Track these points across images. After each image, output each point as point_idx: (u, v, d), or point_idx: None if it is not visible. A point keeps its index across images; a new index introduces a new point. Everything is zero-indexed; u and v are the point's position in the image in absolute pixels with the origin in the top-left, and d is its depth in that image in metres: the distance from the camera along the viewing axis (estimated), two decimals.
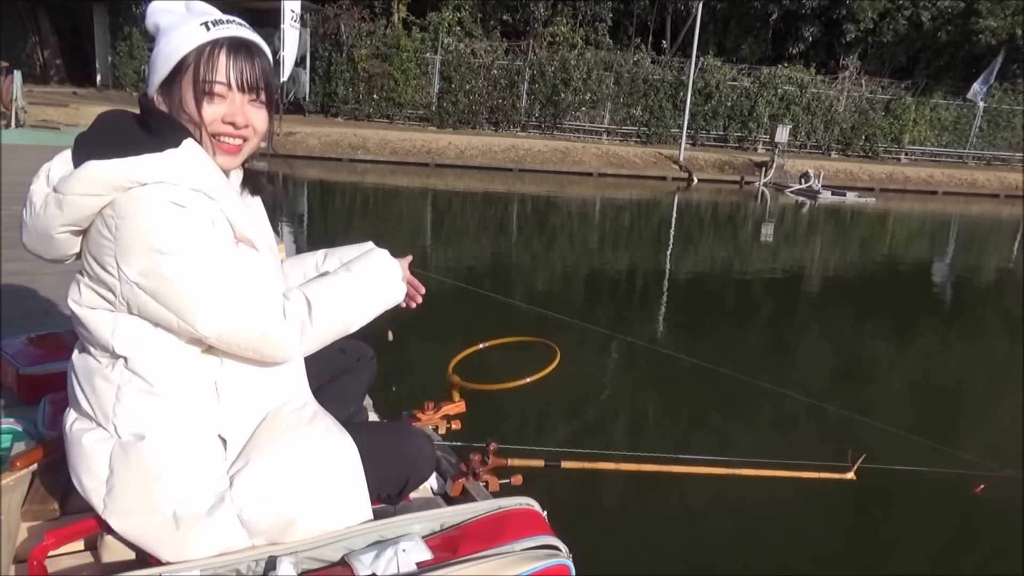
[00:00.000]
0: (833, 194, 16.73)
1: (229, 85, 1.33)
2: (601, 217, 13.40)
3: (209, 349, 1.33)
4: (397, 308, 1.60)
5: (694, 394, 4.89)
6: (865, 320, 7.18)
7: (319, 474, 1.38)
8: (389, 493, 1.51)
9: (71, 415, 1.38)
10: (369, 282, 1.48)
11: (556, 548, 1.40)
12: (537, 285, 7.67)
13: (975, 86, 21.19)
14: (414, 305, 1.69)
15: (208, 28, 1.31)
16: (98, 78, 20.50)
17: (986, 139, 23.14)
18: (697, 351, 5.67)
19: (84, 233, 1.30)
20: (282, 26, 14.28)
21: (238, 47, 1.33)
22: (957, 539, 3.31)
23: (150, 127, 1.28)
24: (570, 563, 1.38)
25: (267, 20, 15.46)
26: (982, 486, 2.79)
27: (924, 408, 4.93)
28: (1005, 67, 21.31)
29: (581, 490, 3.11)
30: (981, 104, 21.88)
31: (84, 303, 1.31)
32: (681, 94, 20.01)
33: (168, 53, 1.31)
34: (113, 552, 1.38)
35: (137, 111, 1.34)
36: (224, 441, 1.35)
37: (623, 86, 20.51)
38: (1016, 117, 22.76)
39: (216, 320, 1.26)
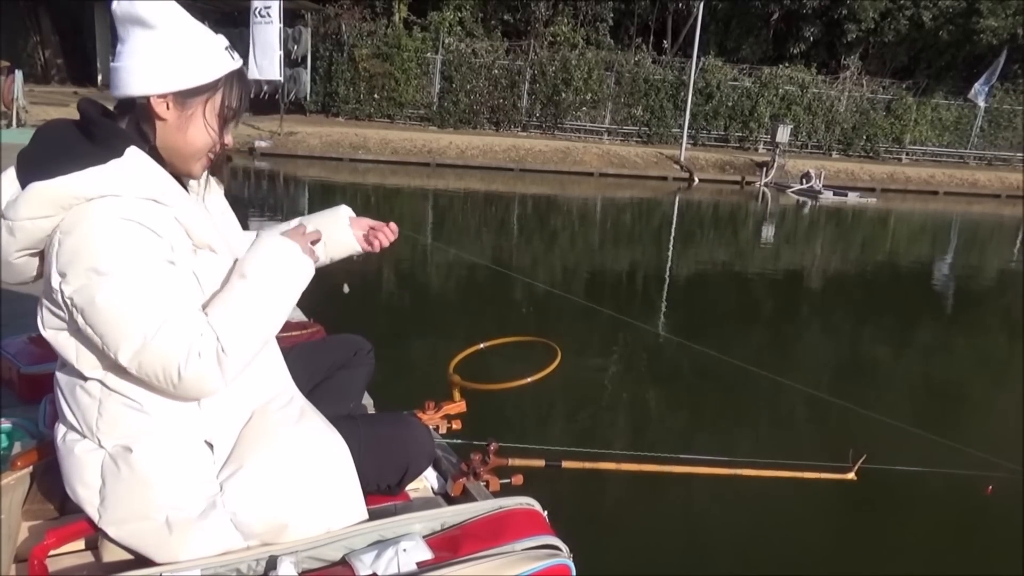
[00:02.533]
0: (834, 194, 16.71)
1: (239, 114, 1.38)
2: (602, 217, 13.39)
3: None
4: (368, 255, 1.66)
5: (695, 394, 4.89)
6: (867, 320, 7.17)
7: (310, 475, 1.38)
8: (388, 484, 1.51)
9: (60, 427, 1.38)
10: (267, 280, 1.36)
11: (557, 548, 1.40)
12: (538, 284, 7.66)
13: (976, 86, 21.15)
14: (379, 247, 1.71)
15: (232, 57, 1.35)
16: (99, 78, 20.49)
17: (987, 139, 23.11)
18: (699, 351, 5.66)
19: (41, 254, 1.28)
20: (251, 24, 14.44)
21: (246, 79, 1.40)
22: (958, 539, 3.30)
23: (92, 136, 1.24)
24: (570, 563, 1.38)
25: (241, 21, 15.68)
26: (991, 487, 2.79)
27: (926, 407, 4.93)
28: (1007, 67, 21.28)
29: (582, 490, 3.11)
30: (982, 104, 21.84)
31: (47, 325, 1.28)
32: (682, 94, 19.99)
33: (198, 69, 1.30)
34: (113, 552, 1.38)
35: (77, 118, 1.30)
36: (211, 446, 1.35)
37: (624, 86, 20.50)
38: (1017, 117, 22.72)
39: (135, 354, 1.21)
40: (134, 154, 1.24)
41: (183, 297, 1.26)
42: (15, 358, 2.24)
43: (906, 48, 22.84)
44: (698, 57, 19.21)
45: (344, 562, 1.33)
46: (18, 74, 12.39)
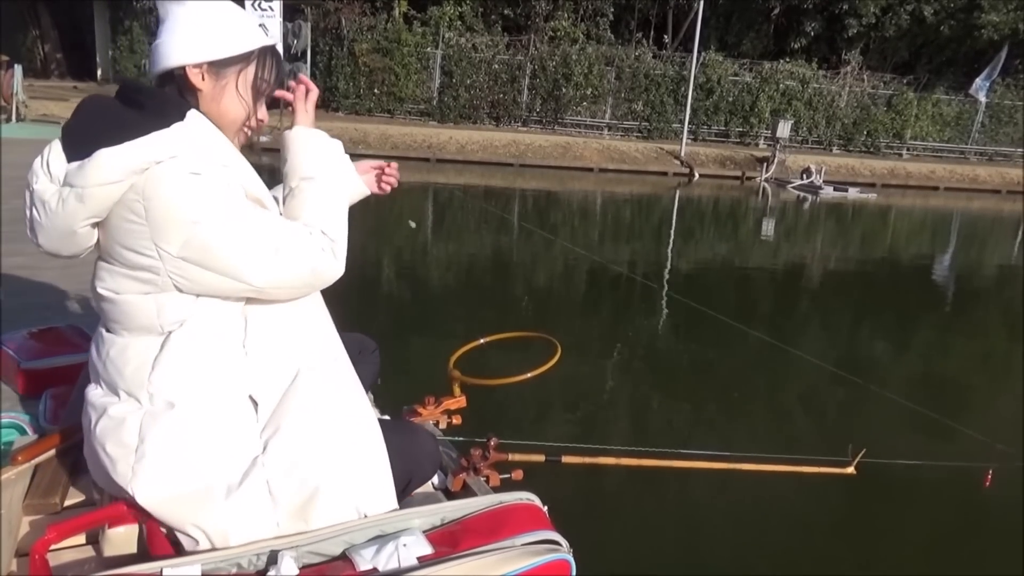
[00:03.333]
0: (835, 190, 16.70)
1: (272, 89, 1.45)
2: (602, 212, 13.39)
3: (239, 308, 1.36)
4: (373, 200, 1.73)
5: (695, 389, 4.89)
6: (867, 315, 7.18)
7: (347, 451, 1.39)
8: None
9: (96, 392, 1.39)
10: (329, 170, 1.50)
11: (556, 543, 1.40)
12: (538, 280, 7.67)
13: (977, 81, 21.12)
14: (389, 189, 1.82)
15: (265, 33, 1.42)
16: (99, 72, 20.48)
17: (988, 135, 23.09)
18: (698, 345, 5.67)
19: (101, 223, 1.29)
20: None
21: (281, 59, 1.46)
22: (958, 531, 3.31)
23: (142, 105, 1.28)
24: (570, 558, 1.39)
25: None
26: (989, 476, 2.79)
27: (925, 401, 4.93)
28: (1008, 62, 21.24)
29: (582, 485, 3.12)
30: (983, 100, 21.81)
31: (119, 291, 1.30)
32: (682, 89, 19.96)
33: (231, 39, 1.36)
34: (115, 546, 1.38)
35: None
36: (255, 403, 1.36)
37: (624, 81, 20.47)
38: (1018, 112, 22.70)
39: (268, 270, 1.29)
40: (195, 117, 1.30)
41: (276, 216, 1.37)
42: (16, 353, 2.24)
43: (907, 43, 22.80)
44: (699, 52, 19.17)
45: (344, 557, 1.33)
46: (17, 68, 12.36)
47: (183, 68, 1.34)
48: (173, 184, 1.22)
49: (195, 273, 1.26)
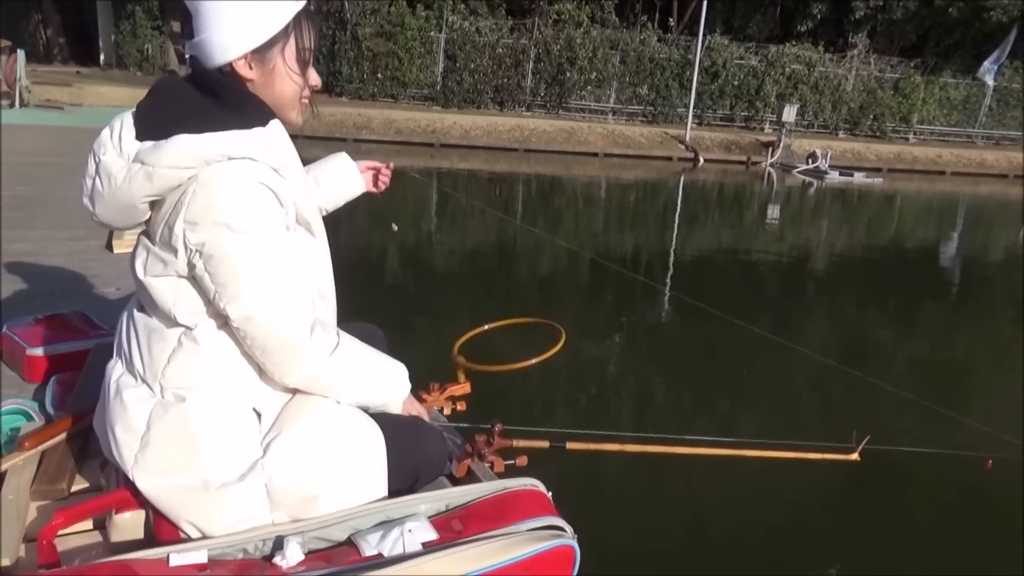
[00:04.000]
0: (840, 174, 16.61)
1: (315, 51, 1.41)
2: (607, 197, 13.35)
3: None
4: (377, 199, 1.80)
5: (699, 375, 4.90)
6: (872, 300, 7.16)
7: (346, 453, 1.41)
8: (399, 488, 1.52)
9: (117, 368, 1.42)
10: (382, 379, 1.54)
11: (561, 529, 1.41)
12: (543, 265, 7.66)
13: (985, 64, 20.91)
14: (383, 187, 1.91)
15: None
16: (102, 57, 20.43)
17: (996, 118, 22.89)
18: (703, 331, 5.67)
19: (156, 202, 1.31)
20: None
21: (314, 14, 1.40)
22: (961, 518, 3.32)
23: (219, 97, 1.29)
24: (575, 543, 1.39)
25: None
26: (990, 461, 2.79)
27: (930, 386, 4.93)
28: (1016, 45, 21.03)
29: (586, 471, 3.13)
30: (991, 83, 21.61)
31: (149, 271, 1.32)
32: (688, 73, 19.83)
33: (264, 22, 1.32)
34: (122, 531, 1.39)
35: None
36: (259, 415, 1.38)
37: (629, 65, 20.33)
38: None
39: (248, 309, 1.28)
40: (276, 126, 1.34)
41: (298, 271, 1.34)
42: (21, 339, 2.25)
43: (914, 26, 22.57)
44: (704, 35, 19.02)
45: (350, 542, 1.34)
46: (20, 53, 12.32)
47: (230, 64, 1.32)
48: (231, 183, 1.24)
49: (198, 268, 1.27)
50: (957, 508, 3.40)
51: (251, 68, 1.34)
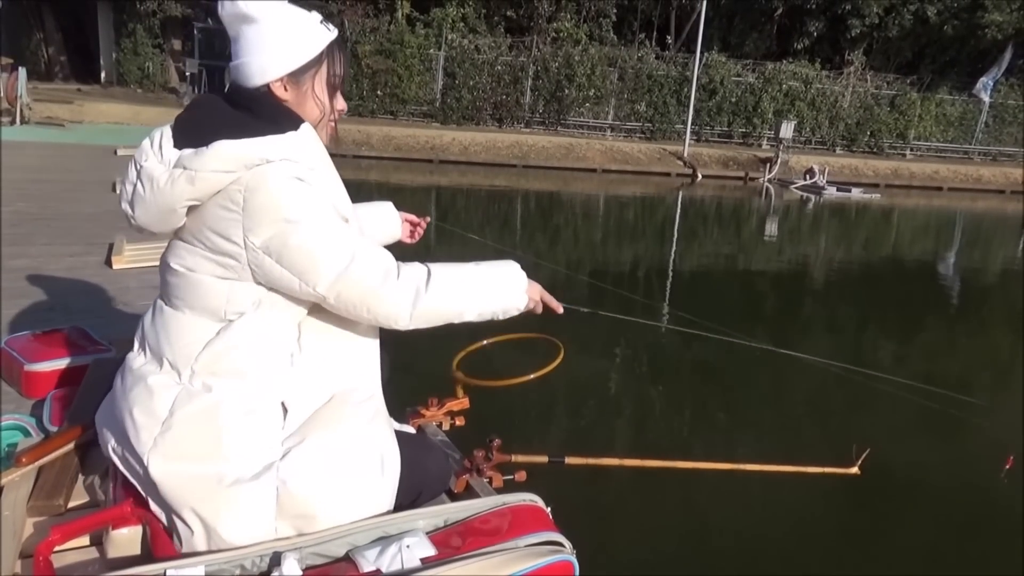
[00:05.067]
0: (838, 190, 16.67)
1: (344, 78, 1.52)
2: (605, 213, 13.38)
3: (297, 318, 1.42)
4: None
5: (699, 390, 4.89)
6: (871, 316, 7.16)
7: (362, 471, 1.42)
8: (400, 503, 1.52)
9: (138, 359, 1.46)
10: (492, 278, 1.54)
11: (560, 544, 1.40)
12: (541, 281, 7.65)
13: (981, 81, 21.06)
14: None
15: (328, 28, 1.48)
16: (102, 75, 20.52)
17: (992, 135, 23.01)
18: (702, 346, 5.66)
19: (194, 208, 1.37)
20: None
21: (344, 45, 1.53)
22: (963, 531, 3.30)
23: (253, 111, 1.38)
24: (574, 559, 1.39)
25: None
26: (1011, 458, 2.77)
27: (929, 402, 4.92)
28: (1012, 62, 21.18)
29: (585, 486, 3.11)
30: (987, 99, 21.74)
31: (196, 269, 1.38)
32: (685, 90, 19.94)
33: (301, 48, 1.42)
34: (119, 547, 1.39)
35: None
36: (286, 410, 1.40)
37: (627, 82, 20.45)
38: (1022, 112, 22.60)
39: (335, 279, 1.35)
40: (307, 129, 1.42)
41: (359, 232, 1.44)
42: (20, 355, 2.25)
43: (910, 43, 22.75)
44: (701, 53, 19.15)
45: (348, 558, 1.34)
46: (21, 71, 12.39)
47: (267, 85, 1.41)
48: (277, 183, 1.32)
49: (270, 266, 1.34)
50: (958, 521, 3.38)
51: (286, 90, 1.43)
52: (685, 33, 22.11)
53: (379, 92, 19.20)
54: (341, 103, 1.54)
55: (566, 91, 19.88)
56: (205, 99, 1.44)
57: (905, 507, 3.41)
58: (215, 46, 19.68)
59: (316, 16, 1.47)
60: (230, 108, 1.39)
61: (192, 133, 1.34)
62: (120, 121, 14.55)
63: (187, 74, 19.72)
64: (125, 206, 1.42)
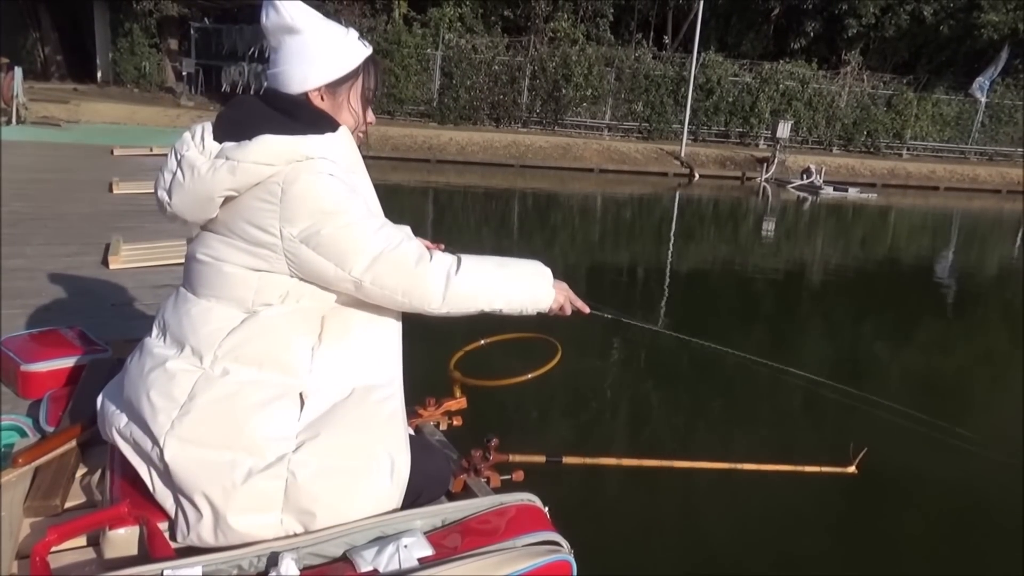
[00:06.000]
0: (835, 190, 16.70)
1: (376, 94, 1.61)
2: (603, 213, 13.38)
3: (322, 310, 1.45)
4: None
5: (696, 390, 4.89)
6: (867, 315, 7.17)
7: (371, 478, 1.42)
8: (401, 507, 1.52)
9: (157, 343, 1.48)
10: (519, 271, 1.58)
11: (557, 544, 1.40)
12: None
13: (978, 81, 21.10)
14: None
15: (365, 44, 1.56)
16: (99, 74, 20.48)
17: (988, 134, 23.05)
18: (699, 346, 5.67)
19: (229, 200, 1.41)
20: None
21: (379, 62, 1.61)
22: (958, 531, 3.31)
23: (291, 114, 1.45)
24: (571, 559, 1.39)
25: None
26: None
27: (926, 401, 4.93)
28: (1008, 62, 21.23)
29: (583, 486, 3.12)
30: (983, 99, 21.78)
31: (228, 259, 1.43)
32: (682, 90, 19.95)
33: (341, 60, 1.51)
34: (116, 548, 1.38)
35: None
36: (303, 401, 1.41)
37: (624, 82, 20.46)
38: (1018, 112, 22.64)
39: (371, 262, 1.40)
40: (344, 131, 1.50)
41: (391, 223, 1.50)
42: (16, 355, 2.25)
43: (907, 43, 22.78)
44: (698, 53, 19.16)
45: (345, 558, 1.33)
46: (18, 71, 12.36)
47: (305, 93, 1.49)
48: (313, 177, 1.38)
49: (306, 255, 1.39)
50: (954, 520, 3.39)
51: (322, 99, 1.51)
52: (682, 33, 22.13)
53: (378, 92, 19.14)
54: (371, 116, 1.62)
55: (563, 91, 19.89)
56: (246, 99, 1.50)
57: (903, 506, 3.41)
58: (211, 46, 19.66)
59: (354, 32, 1.56)
60: (270, 109, 1.46)
61: (234, 128, 1.40)
62: (116, 121, 14.52)
63: (184, 74, 19.70)
64: (162, 194, 1.45)
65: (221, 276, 1.43)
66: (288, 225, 1.37)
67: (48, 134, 11.49)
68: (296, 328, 1.43)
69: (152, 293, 3.63)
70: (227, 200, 1.41)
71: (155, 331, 1.52)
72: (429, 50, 19.38)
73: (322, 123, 1.46)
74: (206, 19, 20.07)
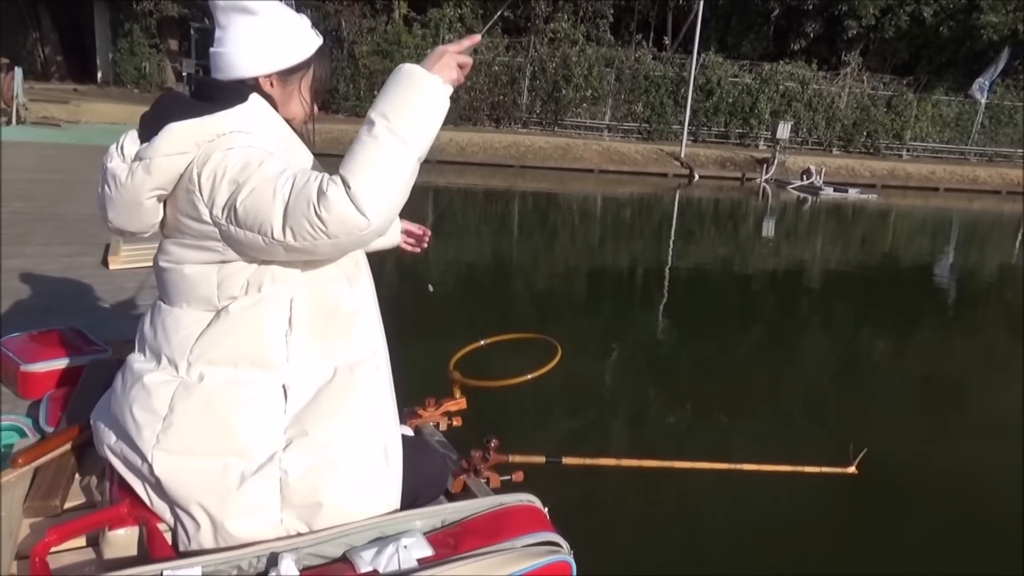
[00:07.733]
0: (835, 190, 16.70)
1: (326, 86, 1.55)
2: (603, 213, 13.38)
3: (287, 294, 1.39)
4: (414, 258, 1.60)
5: (695, 390, 4.89)
6: (867, 316, 7.17)
7: (366, 466, 1.40)
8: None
9: (137, 360, 1.46)
10: (394, 112, 1.36)
11: (557, 544, 1.40)
12: (539, 281, 7.67)
13: (977, 82, 21.10)
14: (420, 250, 1.73)
15: (317, 34, 1.50)
16: (99, 75, 20.49)
17: (988, 135, 23.07)
18: (699, 347, 5.67)
19: (167, 199, 1.38)
20: None
21: (329, 53, 1.55)
22: (959, 530, 3.31)
23: (211, 97, 1.37)
24: (571, 559, 1.38)
25: None
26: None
27: (926, 402, 4.93)
28: (1009, 63, 21.23)
29: (582, 486, 3.12)
30: (983, 100, 21.79)
31: (184, 260, 1.38)
32: (682, 90, 19.96)
33: (295, 48, 1.45)
34: (115, 548, 1.38)
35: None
36: (285, 393, 1.38)
37: (624, 82, 20.47)
38: (1018, 113, 22.67)
39: (283, 222, 1.25)
40: (256, 100, 1.40)
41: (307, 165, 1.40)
42: (16, 355, 2.24)
43: (907, 44, 22.79)
44: (698, 53, 19.18)
45: (345, 559, 1.33)
46: (18, 71, 12.36)
47: (255, 78, 1.42)
48: (222, 153, 1.30)
49: (235, 233, 1.30)
50: (956, 520, 3.39)
51: (272, 86, 1.44)
52: (682, 34, 22.12)
53: (376, 92, 19.06)
54: (315, 110, 1.56)
55: (563, 91, 19.90)
56: (167, 94, 1.44)
57: (903, 506, 3.41)
58: (212, 46, 19.64)
59: (307, 21, 1.50)
60: (190, 98, 1.40)
61: (150, 126, 1.34)
62: (116, 121, 14.51)
63: (184, 74, 19.69)
64: (99, 210, 1.43)
65: (184, 279, 1.39)
66: (213, 207, 1.30)
67: (48, 134, 11.48)
68: (265, 318, 1.37)
69: (152, 293, 3.62)
70: (166, 201, 1.38)
71: (136, 346, 1.49)
72: (429, 50, 19.28)
73: (229, 98, 1.36)
74: (206, 19, 20.07)
